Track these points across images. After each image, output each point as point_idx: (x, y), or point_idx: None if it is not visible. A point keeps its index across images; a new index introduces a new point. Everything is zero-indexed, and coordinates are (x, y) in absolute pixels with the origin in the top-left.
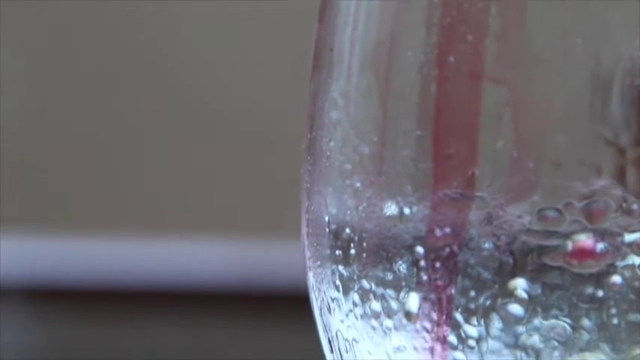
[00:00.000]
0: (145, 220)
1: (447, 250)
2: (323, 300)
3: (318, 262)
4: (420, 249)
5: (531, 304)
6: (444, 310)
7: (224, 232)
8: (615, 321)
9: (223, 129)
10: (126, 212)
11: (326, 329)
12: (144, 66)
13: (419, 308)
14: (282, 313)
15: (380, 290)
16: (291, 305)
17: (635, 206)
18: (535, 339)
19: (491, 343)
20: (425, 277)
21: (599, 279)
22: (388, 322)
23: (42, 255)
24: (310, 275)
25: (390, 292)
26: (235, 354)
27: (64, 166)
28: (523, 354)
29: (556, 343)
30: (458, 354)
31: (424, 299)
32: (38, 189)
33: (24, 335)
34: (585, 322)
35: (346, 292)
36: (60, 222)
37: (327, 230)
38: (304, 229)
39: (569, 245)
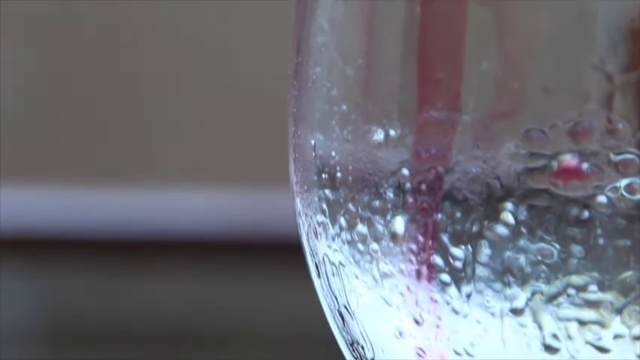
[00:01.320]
0: (143, 170)
1: (433, 172)
2: (310, 225)
3: (305, 187)
4: (405, 171)
5: (518, 226)
6: (429, 233)
7: (223, 181)
8: (602, 243)
9: (222, 81)
10: (126, 163)
11: (313, 254)
12: (144, 20)
13: (405, 231)
14: (281, 261)
15: (366, 214)
16: (291, 254)
17: (620, 126)
18: (522, 261)
19: (478, 266)
20: (411, 200)
21: (585, 201)
22: (374, 245)
23: (39, 206)
24: (297, 201)
25: (376, 215)
26: (232, 302)
27: (63, 119)
28: (510, 276)
29: (543, 266)
30: (444, 276)
31: (410, 222)
32: (39, 141)
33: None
34: (572, 245)
35: (333, 216)
36: (58, 173)
37: (314, 155)
38: (291, 155)
39: (555, 165)
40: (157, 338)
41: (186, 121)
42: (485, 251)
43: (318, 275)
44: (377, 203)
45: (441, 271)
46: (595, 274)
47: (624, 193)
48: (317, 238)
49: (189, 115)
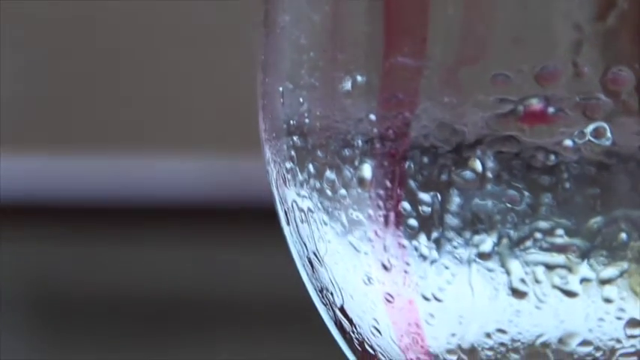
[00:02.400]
0: (124, 137)
1: (400, 118)
2: (279, 172)
3: (274, 135)
4: (372, 117)
5: (485, 173)
6: (397, 179)
7: (203, 148)
8: (568, 188)
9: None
10: (106, 130)
11: (282, 201)
12: None
13: (372, 177)
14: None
15: (334, 160)
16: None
17: (586, 70)
18: (489, 207)
19: (446, 212)
20: (378, 146)
21: (551, 146)
22: (342, 192)
23: (21, 173)
24: (266, 148)
25: (344, 161)
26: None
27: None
28: (477, 222)
29: (510, 212)
30: (412, 222)
31: (378, 168)
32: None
33: (9, 250)
34: (539, 190)
35: (301, 163)
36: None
37: (282, 102)
38: (260, 102)
39: (521, 110)
40: (142, 303)
41: (168, 86)
42: (452, 197)
43: (287, 223)
44: (345, 150)
45: (409, 216)
46: (562, 219)
47: (591, 137)
48: (286, 185)
49: (172, 82)
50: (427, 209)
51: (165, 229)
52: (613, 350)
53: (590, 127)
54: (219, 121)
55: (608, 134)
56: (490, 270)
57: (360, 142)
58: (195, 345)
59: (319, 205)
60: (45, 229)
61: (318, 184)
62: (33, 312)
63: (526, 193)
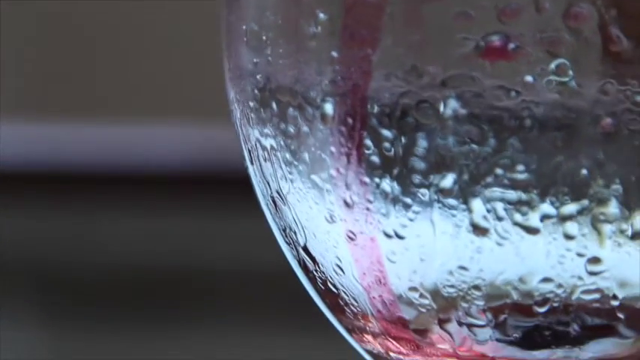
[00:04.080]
0: (109, 106)
1: (362, 54)
2: (242, 111)
3: (238, 73)
4: (334, 53)
5: (446, 110)
6: (359, 115)
7: (186, 117)
8: (530, 125)
9: (184, 13)
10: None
11: (246, 140)
12: None
13: (334, 113)
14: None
15: (296, 97)
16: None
17: (547, 6)
18: (450, 143)
19: (407, 148)
20: (340, 83)
21: (513, 84)
22: (305, 128)
23: (9, 141)
24: (230, 87)
25: (306, 98)
26: (192, 237)
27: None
28: (438, 158)
29: (471, 148)
30: (373, 158)
31: (339, 104)
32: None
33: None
34: (500, 127)
35: (264, 101)
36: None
37: (246, 39)
38: (224, 41)
39: (482, 46)
40: (137, 273)
41: (151, 54)
42: (414, 135)
43: (251, 162)
44: (308, 88)
45: (371, 154)
46: (523, 155)
47: (553, 75)
48: (249, 123)
49: (154, 49)
50: (389, 146)
51: (161, 197)
52: (574, 287)
53: (552, 65)
54: (209, 89)
55: (570, 72)
56: (451, 207)
57: (322, 79)
58: (188, 315)
59: (282, 143)
60: (36, 197)
61: (281, 123)
62: (29, 282)
63: (487, 131)
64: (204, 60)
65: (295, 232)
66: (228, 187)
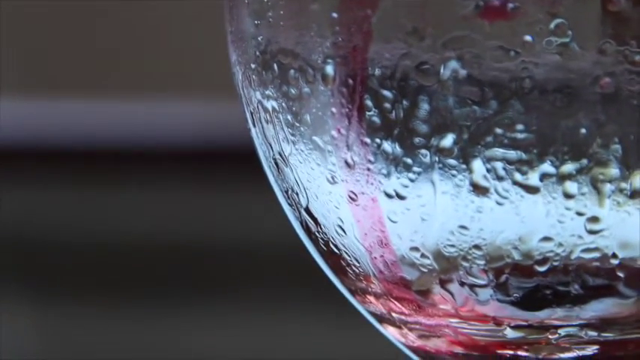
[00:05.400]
0: (110, 82)
1: (361, 14)
2: (244, 73)
3: (240, 36)
4: (334, 14)
5: (446, 70)
6: (359, 76)
7: (188, 92)
8: (529, 85)
9: None
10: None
11: (248, 102)
12: None
13: (335, 74)
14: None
15: (298, 58)
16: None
17: None
18: (450, 102)
19: (407, 108)
20: (340, 41)
21: (512, 44)
22: (306, 89)
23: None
24: (232, 50)
25: (307, 58)
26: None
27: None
28: (438, 118)
29: (471, 107)
30: (374, 119)
31: (340, 64)
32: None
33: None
34: (500, 86)
35: (265, 62)
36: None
37: (247, 2)
38: (226, 5)
39: (481, 5)
40: (139, 247)
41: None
42: (414, 95)
43: (254, 124)
44: (309, 49)
45: (372, 114)
46: (522, 115)
47: (552, 35)
48: (251, 86)
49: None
50: (389, 107)
51: (164, 172)
52: (574, 246)
53: (551, 24)
54: (215, 65)
55: (569, 32)
56: (452, 167)
57: (323, 41)
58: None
59: (284, 105)
60: (35, 173)
61: (282, 85)
62: (29, 258)
63: (487, 92)
64: (209, 33)
65: (297, 194)
66: (237, 162)
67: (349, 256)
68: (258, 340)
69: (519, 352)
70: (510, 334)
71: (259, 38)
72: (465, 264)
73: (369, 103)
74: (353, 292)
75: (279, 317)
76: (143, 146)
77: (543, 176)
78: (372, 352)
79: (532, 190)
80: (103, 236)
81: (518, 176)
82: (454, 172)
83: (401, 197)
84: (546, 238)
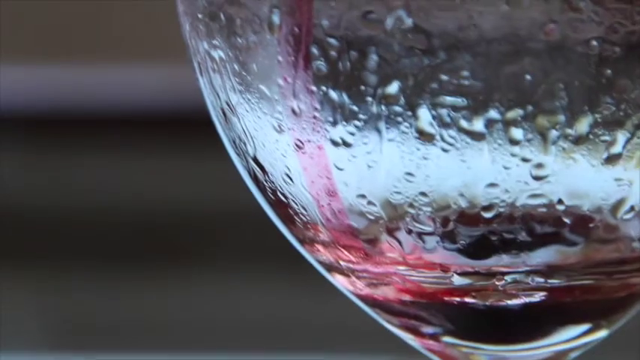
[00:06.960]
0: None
1: None
2: (192, 23)
3: None
4: None
5: (392, 13)
6: (305, 23)
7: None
8: (476, 34)
9: None
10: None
11: (195, 52)
12: None
13: (281, 21)
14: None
15: (244, 8)
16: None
17: None
18: (395, 49)
19: (353, 54)
20: None
21: None
22: (253, 38)
23: None
24: (179, 2)
25: (253, 6)
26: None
27: None
28: (384, 64)
29: (416, 54)
30: (320, 66)
31: (286, 13)
32: None
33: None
34: (444, 30)
35: (212, 12)
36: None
37: None
38: None
39: None
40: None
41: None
42: (360, 42)
43: (201, 74)
44: None
45: (317, 61)
46: (467, 62)
47: None
48: (198, 36)
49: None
50: (335, 55)
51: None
52: (520, 192)
53: None
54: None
55: None
56: (398, 114)
57: None
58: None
59: (230, 54)
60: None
61: (229, 34)
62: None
63: (432, 39)
64: None
65: (245, 143)
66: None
67: (297, 204)
68: (229, 302)
69: (467, 299)
70: (457, 281)
71: None
72: (412, 211)
73: (315, 51)
74: (302, 241)
75: (246, 279)
76: (133, 112)
77: (489, 122)
78: (338, 314)
79: (477, 136)
80: (86, 203)
81: (463, 123)
82: (400, 119)
83: (347, 145)
84: (492, 185)
